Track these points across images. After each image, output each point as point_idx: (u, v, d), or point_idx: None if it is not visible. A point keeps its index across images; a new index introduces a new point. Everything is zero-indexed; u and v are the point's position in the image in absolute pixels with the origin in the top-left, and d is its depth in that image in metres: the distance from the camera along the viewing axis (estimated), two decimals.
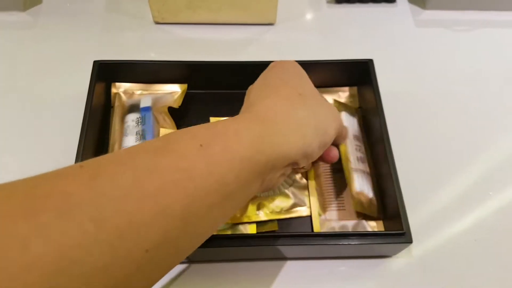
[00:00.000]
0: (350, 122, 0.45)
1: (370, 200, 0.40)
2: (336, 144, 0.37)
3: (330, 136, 0.32)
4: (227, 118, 0.28)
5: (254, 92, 0.32)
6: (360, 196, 0.40)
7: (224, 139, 0.25)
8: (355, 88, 0.48)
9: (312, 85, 0.34)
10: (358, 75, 0.47)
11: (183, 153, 0.23)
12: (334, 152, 0.35)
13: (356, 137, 0.44)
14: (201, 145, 0.24)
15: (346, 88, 0.48)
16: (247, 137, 0.25)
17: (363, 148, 0.44)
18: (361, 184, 0.40)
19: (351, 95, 0.48)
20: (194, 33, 0.55)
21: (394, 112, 0.44)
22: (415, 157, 0.45)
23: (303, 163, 0.31)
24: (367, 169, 0.42)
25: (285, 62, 0.35)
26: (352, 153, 0.42)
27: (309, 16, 0.58)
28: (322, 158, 0.35)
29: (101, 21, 0.56)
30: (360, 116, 0.46)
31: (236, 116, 0.29)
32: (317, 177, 0.42)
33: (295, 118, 0.29)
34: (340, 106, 0.45)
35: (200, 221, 0.23)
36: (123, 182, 0.20)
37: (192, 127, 0.26)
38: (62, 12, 0.57)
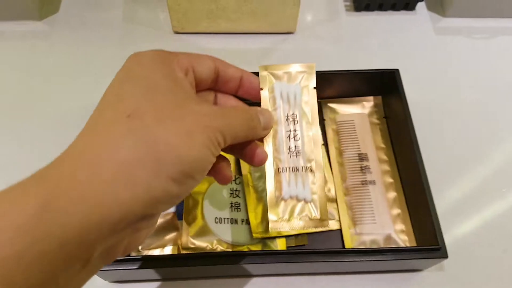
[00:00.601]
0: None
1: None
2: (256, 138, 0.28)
3: (196, 157, 0.22)
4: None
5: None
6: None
7: None
8: (379, 98, 0.48)
9: (164, 93, 0.23)
10: (382, 84, 0.46)
11: None
12: (260, 155, 0.28)
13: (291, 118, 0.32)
14: None
15: (371, 98, 0.48)
16: (16, 221, 0.17)
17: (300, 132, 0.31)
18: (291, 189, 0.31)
19: (375, 105, 0.47)
20: (214, 43, 0.54)
21: (419, 121, 0.43)
22: (442, 165, 0.45)
23: (164, 208, 0.22)
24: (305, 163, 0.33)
25: (140, 56, 0.25)
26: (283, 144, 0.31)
27: (328, 24, 0.57)
28: (248, 161, 0.28)
29: (118, 31, 0.55)
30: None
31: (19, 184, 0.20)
32: (346, 189, 0.42)
33: (113, 161, 0.19)
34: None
35: None
36: None
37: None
38: (79, 21, 0.56)
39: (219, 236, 0.38)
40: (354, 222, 0.40)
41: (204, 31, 0.54)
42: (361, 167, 0.43)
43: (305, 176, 0.30)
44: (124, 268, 0.34)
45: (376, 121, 0.46)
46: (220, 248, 0.38)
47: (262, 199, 0.40)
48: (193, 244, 0.38)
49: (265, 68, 0.31)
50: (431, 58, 0.54)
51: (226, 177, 0.27)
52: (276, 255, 0.35)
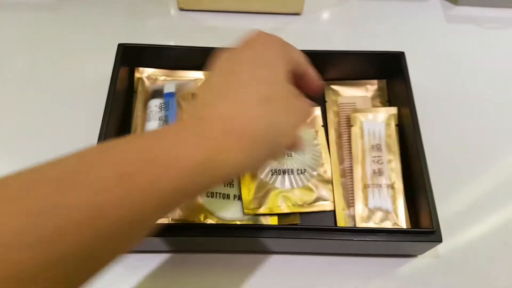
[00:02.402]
0: (373, 129, 0.42)
1: (388, 214, 0.38)
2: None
3: (280, 149, 0.28)
4: (169, 127, 0.24)
5: (211, 86, 0.27)
6: (376, 212, 0.38)
7: (155, 169, 0.20)
8: (384, 81, 0.47)
9: (284, 80, 0.27)
10: (387, 68, 0.45)
11: (96, 186, 0.19)
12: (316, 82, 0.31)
13: (376, 147, 0.41)
14: (122, 176, 0.19)
15: (375, 81, 0.47)
16: (187, 165, 0.21)
17: (383, 158, 0.40)
18: (376, 201, 0.39)
19: (379, 88, 0.46)
20: (219, 21, 0.54)
21: (423, 106, 0.42)
22: (443, 152, 0.44)
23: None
24: (387, 181, 0.40)
25: (268, 38, 0.28)
26: (369, 167, 0.40)
27: (337, 7, 0.56)
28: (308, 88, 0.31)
29: (125, 6, 0.55)
30: (392, 115, 0.43)
31: (181, 126, 0.24)
32: (342, 171, 0.41)
33: (250, 134, 0.24)
34: (360, 114, 0.42)
35: (106, 258, 0.20)
36: (10, 228, 0.17)
37: (117, 142, 0.21)
38: None
39: (210, 210, 0.38)
40: (349, 204, 0.40)
41: (209, 8, 0.54)
42: None
43: (387, 192, 0.38)
44: None
45: (379, 104, 0.46)
46: (210, 222, 0.38)
47: (255, 176, 0.40)
48: (182, 216, 0.38)
49: (356, 111, 0.42)
50: (440, 45, 0.53)
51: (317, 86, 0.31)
52: (266, 230, 0.35)
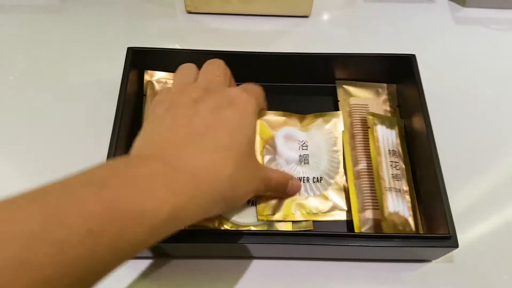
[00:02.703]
0: (386, 135, 0.42)
1: (406, 220, 0.38)
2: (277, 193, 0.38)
3: (239, 201, 0.31)
4: (138, 171, 0.24)
5: (170, 129, 0.28)
6: (394, 217, 0.38)
7: (123, 226, 0.21)
8: (394, 86, 0.46)
9: (254, 133, 0.32)
10: (396, 71, 0.45)
11: (64, 244, 0.19)
12: (292, 187, 0.37)
13: (392, 153, 0.41)
14: (89, 233, 0.20)
15: (385, 85, 0.46)
16: (156, 220, 0.22)
17: (401, 164, 0.41)
18: (395, 205, 0.38)
19: (389, 93, 0.46)
20: (227, 24, 0.53)
21: (432, 110, 0.42)
22: (455, 155, 0.44)
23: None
24: (404, 187, 0.40)
25: (249, 106, 0.32)
26: (387, 171, 0.40)
27: (344, 10, 0.56)
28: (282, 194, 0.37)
29: (131, 9, 0.55)
30: (401, 126, 0.43)
31: (149, 173, 0.24)
32: (356, 173, 0.41)
33: (218, 187, 0.26)
34: (375, 118, 0.42)
35: None
36: None
37: (85, 189, 0.21)
38: None
39: (223, 215, 0.38)
40: (364, 207, 0.39)
41: (217, 11, 0.53)
42: None
43: (403, 197, 0.39)
44: None
45: (389, 109, 0.45)
46: (224, 227, 0.37)
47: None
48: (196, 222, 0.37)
49: (372, 114, 0.42)
50: (448, 48, 0.53)
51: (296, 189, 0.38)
52: (280, 236, 0.34)
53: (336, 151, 0.42)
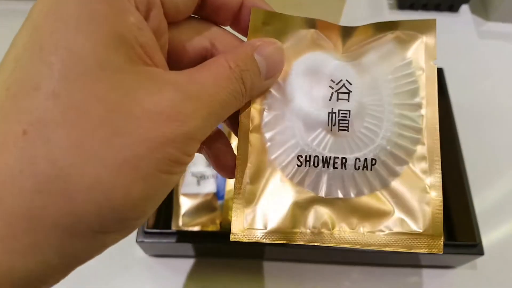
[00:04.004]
0: None
1: None
2: None
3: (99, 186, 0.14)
4: None
5: None
6: None
7: None
8: None
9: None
10: None
11: None
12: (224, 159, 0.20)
13: None
14: None
15: None
16: None
17: None
18: None
19: None
20: None
21: (459, 123, 0.44)
22: (482, 166, 0.45)
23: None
24: None
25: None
26: None
27: (371, 20, 0.56)
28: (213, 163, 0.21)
29: None
30: None
31: None
32: None
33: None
34: None
35: None
36: None
37: None
38: None
39: None
40: None
41: None
42: None
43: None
44: (163, 241, 0.36)
45: None
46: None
47: None
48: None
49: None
50: (473, 61, 0.54)
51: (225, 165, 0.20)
52: None
53: (418, 107, 0.21)
